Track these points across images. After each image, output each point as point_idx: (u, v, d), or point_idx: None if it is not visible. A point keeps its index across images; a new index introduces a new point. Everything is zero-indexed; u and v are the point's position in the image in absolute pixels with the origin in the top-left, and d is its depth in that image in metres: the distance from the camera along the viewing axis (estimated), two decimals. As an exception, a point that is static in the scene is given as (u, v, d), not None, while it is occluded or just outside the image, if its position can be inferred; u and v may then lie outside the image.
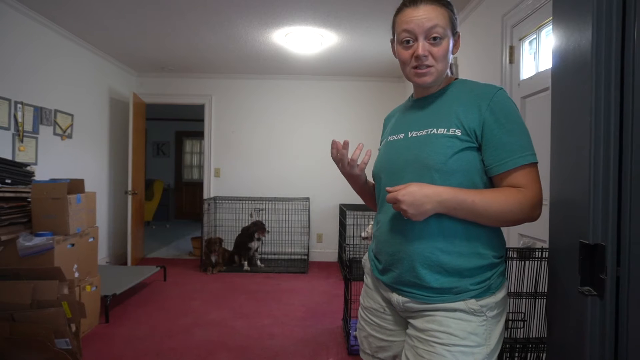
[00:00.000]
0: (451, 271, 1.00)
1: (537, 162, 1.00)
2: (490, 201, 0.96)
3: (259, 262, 4.86)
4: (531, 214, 0.97)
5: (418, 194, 0.95)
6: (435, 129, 1.04)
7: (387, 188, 0.99)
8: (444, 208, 0.97)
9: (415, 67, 1.05)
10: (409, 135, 1.10)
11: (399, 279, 1.06)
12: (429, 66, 1.04)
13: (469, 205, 0.96)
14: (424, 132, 1.06)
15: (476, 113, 1.01)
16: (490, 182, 1.03)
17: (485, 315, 0.99)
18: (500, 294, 1.03)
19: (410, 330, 1.06)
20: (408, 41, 1.05)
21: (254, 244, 4.73)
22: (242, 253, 4.77)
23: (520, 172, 0.98)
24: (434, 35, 1.02)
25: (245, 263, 4.75)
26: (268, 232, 4.82)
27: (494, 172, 1.00)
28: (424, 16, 1.01)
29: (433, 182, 1.00)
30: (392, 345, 1.15)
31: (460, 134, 1.01)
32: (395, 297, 1.08)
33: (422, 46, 1.02)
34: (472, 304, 0.99)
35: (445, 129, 1.03)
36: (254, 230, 4.68)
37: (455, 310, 0.99)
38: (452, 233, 1.01)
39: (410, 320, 1.07)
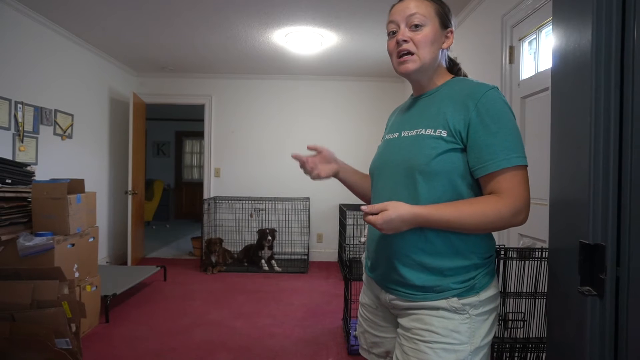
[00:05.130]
0: (432, 270, 1.01)
1: (524, 165, 0.97)
2: (465, 216, 0.95)
3: (274, 263, 4.83)
4: (512, 221, 0.96)
5: (396, 221, 0.95)
6: (423, 130, 1.05)
7: (362, 208, 0.98)
8: (421, 226, 0.99)
9: (399, 56, 1.08)
10: (402, 135, 1.12)
11: (385, 276, 1.09)
12: (410, 53, 1.06)
13: (444, 224, 0.97)
14: (414, 133, 1.07)
15: (463, 113, 1.00)
16: (477, 183, 1.02)
17: (468, 313, 0.99)
18: (486, 294, 1.02)
19: (399, 329, 1.08)
20: (394, 32, 1.09)
21: (264, 253, 4.78)
22: (254, 260, 4.86)
23: (503, 175, 0.95)
24: (415, 22, 1.05)
25: (263, 261, 4.77)
26: (276, 233, 4.87)
27: (477, 174, 0.99)
28: (406, 6, 1.07)
29: (416, 183, 1.02)
30: (384, 342, 1.17)
31: (445, 135, 1.00)
32: (383, 295, 1.12)
33: (402, 32, 1.06)
34: (454, 302, 0.99)
35: (432, 130, 1.03)
36: (261, 240, 4.78)
37: (438, 308, 1.00)
38: (434, 234, 1.01)
39: (399, 319, 1.09)
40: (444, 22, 1.08)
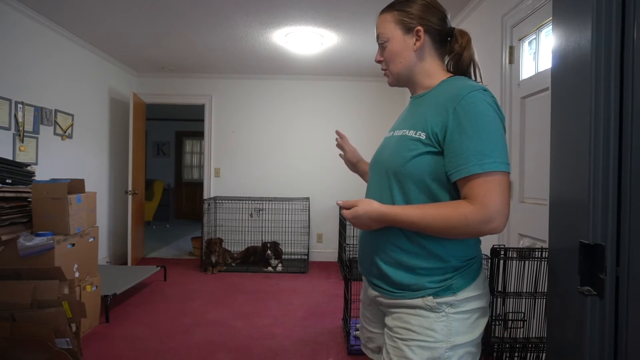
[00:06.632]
0: (408, 268, 1.03)
1: (502, 171, 0.92)
2: (429, 219, 0.95)
3: (279, 268, 4.83)
4: (482, 229, 0.92)
5: (363, 218, 1.01)
6: (407, 130, 1.06)
7: (338, 202, 1.06)
8: (391, 226, 1.02)
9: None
10: (394, 134, 1.13)
11: (368, 270, 1.14)
12: (384, 69, 1.16)
13: (410, 225, 0.98)
14: (401, 133, 1.08)
15: (442, 116, 0.98)
16: (454, 187, 1.00)
17: (444, 311, 0.99)
18: (464, 294, 1.01)
19: (385, 328, 1.11)
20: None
21: (273, 262, 4.81)
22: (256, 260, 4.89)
23: (475, 181, 0.92)
24: (381, 43, 1.14)
25: (271, 262, 4.77)
26: (279, 246, 4.91)
27: (451, 179, 0.97)
28: (375, 28, 1.15)
29: (391, 185, 1.05)
30: (376, 337, 1.20)
31: (424, 137, 1.00)
32: (370, 291, 1.15)
33: (377, 54, 1.17)
34: (429, 301, 1.00)
35: (414, 132, 1.03)
36: (263, 253, 4.81)
37: (415, 307, 1.02)
38: (413, 234, 1.02)
39: (385, 319, 1.12)
40: (407, 27, 1.07)
